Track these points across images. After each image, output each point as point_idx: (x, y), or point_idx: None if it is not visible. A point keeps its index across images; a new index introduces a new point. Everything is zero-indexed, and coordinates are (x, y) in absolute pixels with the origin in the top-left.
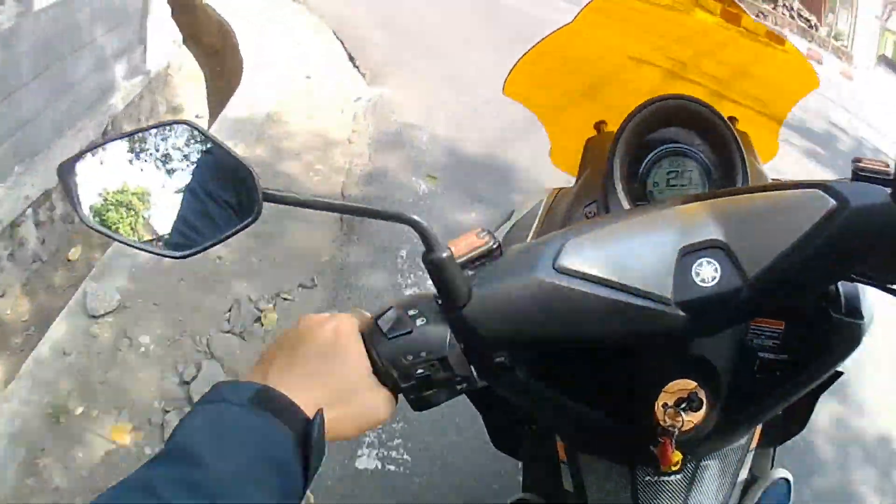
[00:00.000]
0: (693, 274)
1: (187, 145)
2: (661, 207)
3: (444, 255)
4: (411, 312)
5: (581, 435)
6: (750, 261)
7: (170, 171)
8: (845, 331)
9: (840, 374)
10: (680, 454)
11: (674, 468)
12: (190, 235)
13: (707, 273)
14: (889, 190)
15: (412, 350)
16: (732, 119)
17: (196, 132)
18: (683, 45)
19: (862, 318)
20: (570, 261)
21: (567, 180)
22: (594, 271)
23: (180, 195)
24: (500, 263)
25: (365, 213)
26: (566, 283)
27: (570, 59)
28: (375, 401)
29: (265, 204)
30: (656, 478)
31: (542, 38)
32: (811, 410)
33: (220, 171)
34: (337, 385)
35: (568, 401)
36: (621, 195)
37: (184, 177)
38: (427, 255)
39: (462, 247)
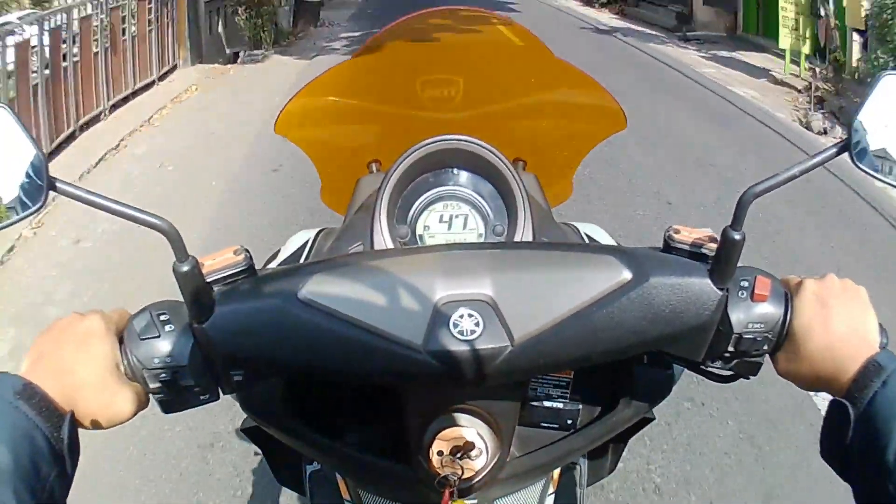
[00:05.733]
0: (451, 325)
1: None
2: (424, 251)
3: (188, 268)
4: (163, 318)
5: (357, 475)
6: (519, 322)
7: None
8: (650, 382)
9: (650, 419)
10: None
11: None
12: None
13: (466, 326)
14: (707, 266)
15: (158, 354)
16: (518, 161)
17: (10, 117)
18: (475, 79)
19: (670, 367)
20: (315, 293)
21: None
22: (338, 307)
23: None
24: (247, 284)
25: (131, 218)
26: (307, 315)
27: (345, 97)
28: (122, 398)
29: None
30: None
31: (318, 76)
32: (619, 455)
33: (17, 158)
34: (87, 381)
35: (327, 438)
36: (386, 237)
37: None
38: (175, 266)
39: (216, 262)
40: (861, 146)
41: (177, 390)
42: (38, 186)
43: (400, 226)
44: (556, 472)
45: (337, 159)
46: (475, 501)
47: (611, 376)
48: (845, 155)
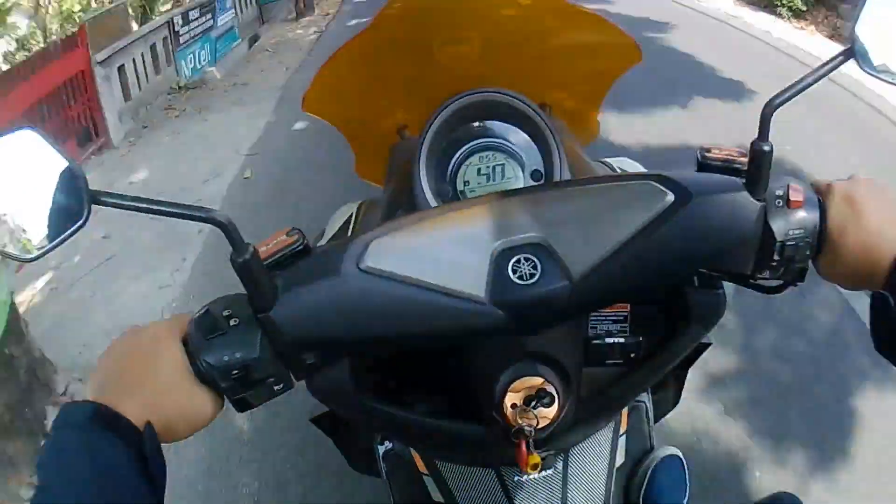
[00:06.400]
0: (510, 272)
1: (28, 152)
2: (472, 203)
3: (247, 256)
4: (226, 313)
5: (431, 443)
6: (574, 259)
7: (11, 179)
8: (703, 304)
9: (707, 344)
10: (538, 457)
11: (532, 471)
12: (33, 237)
13: (525, 271)
14: (742, 180)
15: (227, 351)
16: (544, 105)
17: (38, 137)
18: (490, 32)
19: (720, 287)
20: (375, 261)
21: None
22: (400, 271)
23: (22, 200)
24: (306, 265)
25: (182, 216)
26: (371, 285)
27: (366, 67)
28: (198, 402)
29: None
30: (525, 476)
31: (338, 49)
32: (682, 385)
33: (54, 176)
34: (160, 391)
35: (398, 409)
36: (429, 197)
37: (25, 183)
38: (233, 257)
39: (271, 247)
40: (863, 51)
41: (250, 385)
42: (80, 202)
43: (441, 185)
44: (625, 412)
45: (367, 130)
46: (552, 453)
47: (665, 306)
48: None
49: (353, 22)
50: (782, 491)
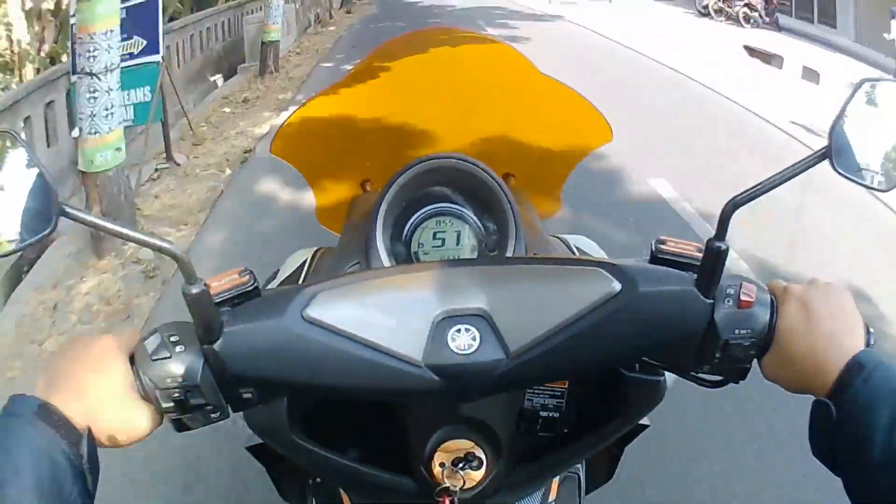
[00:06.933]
0: (449, 339)
1: (6, 153)
2: (421, 268)
3: (197, 290)
4: (173, 339)
5: (360, 489)
6: (514, 334)
7: None
8: (642, 389)
9: (645, 426)
10: None
11: None
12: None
13: (464, 341)
14: (693, 276)
15: (170, 374)
16: (509, 176)
17: (15, 141)
18: (464, 97)
19: (661, 374)
20: (318, 312)
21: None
22: (341, 325)
23: None
24: (253, 305)
25: (140, 242)
26: (312, 334)
27: (337, 118)
28: (137, 416)
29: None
30: None
31: (310, 98)
32: (616, 462)
33: (28, 180)
34: (103, 401)
35: (331, 453)
36: (383, 255)
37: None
38: (184, 288)
39: (223, 283)
40: (841, 152)
41: (188, 409)
42: (48, 212)
43: (395, 244)
44: (556, 481)
45: (331, 179)
46: None
47: (604, 385)
48: None
49: None
50: None
